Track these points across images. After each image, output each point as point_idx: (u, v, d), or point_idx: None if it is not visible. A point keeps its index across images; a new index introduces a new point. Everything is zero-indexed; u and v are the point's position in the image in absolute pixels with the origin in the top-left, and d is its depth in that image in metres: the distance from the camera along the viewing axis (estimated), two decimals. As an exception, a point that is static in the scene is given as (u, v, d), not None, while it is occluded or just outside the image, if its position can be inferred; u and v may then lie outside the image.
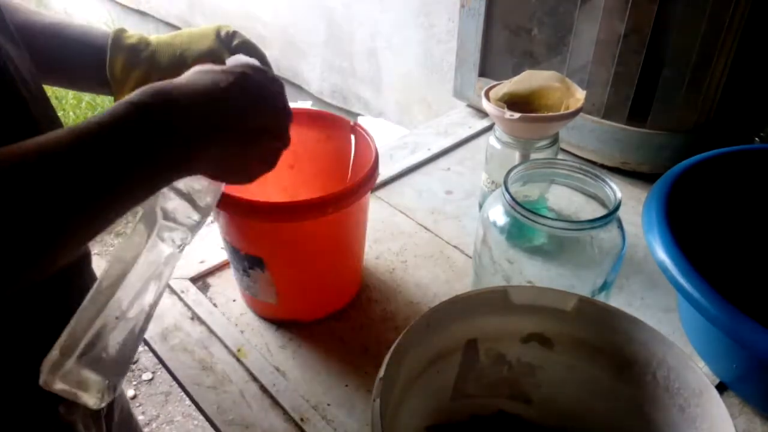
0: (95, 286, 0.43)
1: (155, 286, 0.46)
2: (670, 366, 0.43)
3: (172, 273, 0.48)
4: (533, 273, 0.57)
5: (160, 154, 0.37)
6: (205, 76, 0.42)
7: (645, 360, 0.44)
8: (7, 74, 0.41)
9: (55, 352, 0.40)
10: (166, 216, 0.46)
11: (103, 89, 0.55)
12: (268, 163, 0.47)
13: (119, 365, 0.43)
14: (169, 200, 0.46)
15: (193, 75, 0.42)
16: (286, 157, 0.70)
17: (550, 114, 0.70)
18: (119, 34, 0.54)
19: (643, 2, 0.78)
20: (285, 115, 0.47)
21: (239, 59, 0.49)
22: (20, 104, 0.43)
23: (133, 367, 1.66)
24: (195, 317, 0.67)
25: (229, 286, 0.71)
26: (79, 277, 0.51)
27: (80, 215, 0.34)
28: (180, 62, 0.54)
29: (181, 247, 0.47)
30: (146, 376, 1.71)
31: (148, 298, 0.45)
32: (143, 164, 0.36)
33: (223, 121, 0.41)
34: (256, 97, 0.43)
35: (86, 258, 0.52)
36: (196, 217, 0.47)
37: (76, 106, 2.71)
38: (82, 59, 0.54)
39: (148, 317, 0.46)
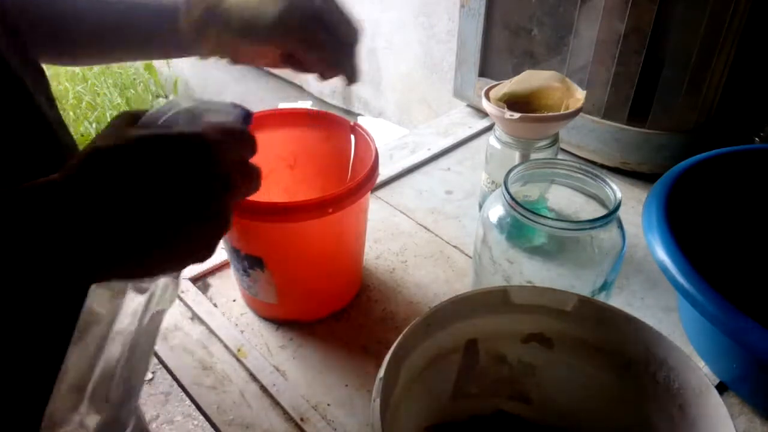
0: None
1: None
2: (670, 366, 0.43)
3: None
4: (533, 273, 0.57)
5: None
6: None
7: (645, 360, 0.44)
8: (34, 104, 0.41)
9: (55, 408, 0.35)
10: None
11: (176, 51, 0.56)
12: (201, 253, 0.34)
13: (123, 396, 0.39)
14: None
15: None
16: (286, 157, 0.71)
17: (550, 114, 0.70)
18: None
19: (643, 2, 0.78)
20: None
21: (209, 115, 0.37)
22: (47, 129, 0.43)
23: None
24: (195, 317, 0.67)
25: (229, 286, 0.71)
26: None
27: None
28: (249, 26, 0.52)
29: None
30: (146, 376, 1.71)
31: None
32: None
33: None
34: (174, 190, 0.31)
35: None
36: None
37: (76, 106, 2.71)
38: (150, 21, 0.54)
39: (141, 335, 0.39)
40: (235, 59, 0.55)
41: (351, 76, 0.57)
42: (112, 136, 0.31)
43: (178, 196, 0.31)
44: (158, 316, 0.40)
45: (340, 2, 0.54)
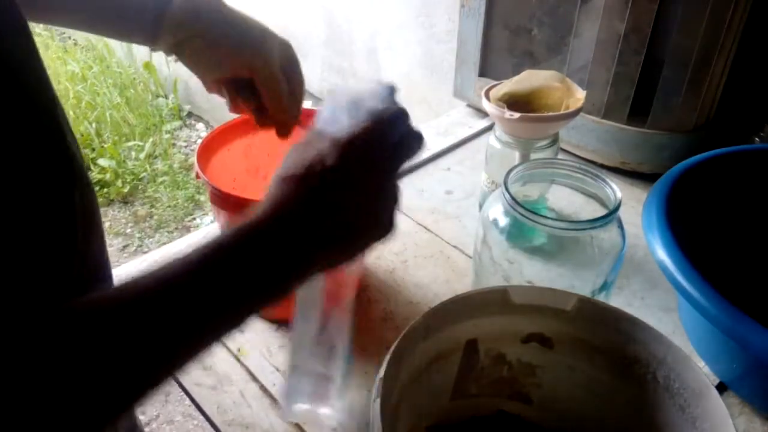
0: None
1: None
2: (670, 366, 0.43)
3: None
4: (533, 273, 0.57)
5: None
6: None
7: (645, 360, 0.44)
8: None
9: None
10: None
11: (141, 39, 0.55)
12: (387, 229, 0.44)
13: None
14: None
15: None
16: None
17: (550, 114, 0.70)
18: None
19: (643, 2, 0.78)
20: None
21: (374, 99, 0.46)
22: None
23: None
24: (195, 317, 0.67)
25: (229, 286, 0.71)
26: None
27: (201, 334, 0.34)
28: (227, 36, 0.54)
29: None
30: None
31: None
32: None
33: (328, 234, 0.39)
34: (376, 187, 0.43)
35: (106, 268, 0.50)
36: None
37: (76, 106, 2.70)
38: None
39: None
40: (191, 63, 0.56)
41: (284, 131, 0.60)
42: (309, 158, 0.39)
43: (369, 192, 0.42)
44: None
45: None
